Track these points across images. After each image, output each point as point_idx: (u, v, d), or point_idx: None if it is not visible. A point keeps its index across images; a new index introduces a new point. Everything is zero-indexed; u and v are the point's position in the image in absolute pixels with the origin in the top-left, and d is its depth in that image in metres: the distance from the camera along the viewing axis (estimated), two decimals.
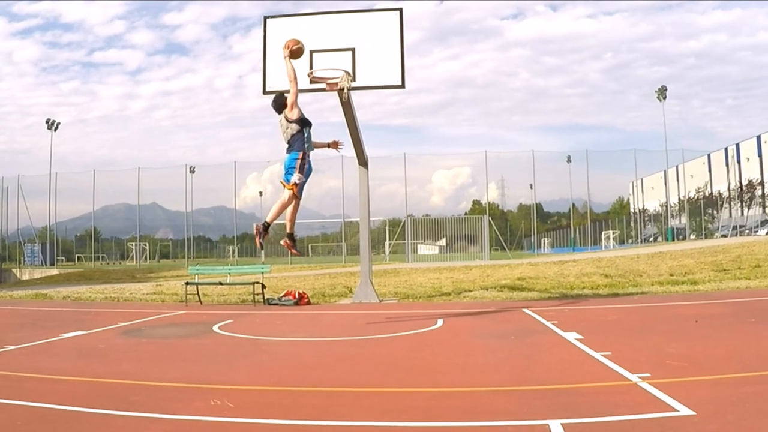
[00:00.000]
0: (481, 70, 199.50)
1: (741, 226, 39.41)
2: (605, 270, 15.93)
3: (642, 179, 56.96)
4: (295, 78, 7.61)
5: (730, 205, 45.57)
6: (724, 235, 36.46)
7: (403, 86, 10.07)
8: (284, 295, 12.43)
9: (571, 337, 6.67)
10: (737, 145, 48.92)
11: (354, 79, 9.64)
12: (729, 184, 46.36)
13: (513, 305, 10.53)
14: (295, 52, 7.79)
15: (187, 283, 13.13)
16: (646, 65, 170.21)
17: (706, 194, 46.10)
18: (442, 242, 37.33)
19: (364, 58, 9.85)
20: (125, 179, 42.06)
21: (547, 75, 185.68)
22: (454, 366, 5.61)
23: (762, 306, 9.08)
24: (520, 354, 6.05)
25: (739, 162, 48.22)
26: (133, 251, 47.74)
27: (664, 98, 43.15)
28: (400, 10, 10.23)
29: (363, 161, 12.52)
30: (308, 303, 12.22)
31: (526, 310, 9.49)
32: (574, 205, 48.05)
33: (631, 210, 59.23)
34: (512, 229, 62.25)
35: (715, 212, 44.26)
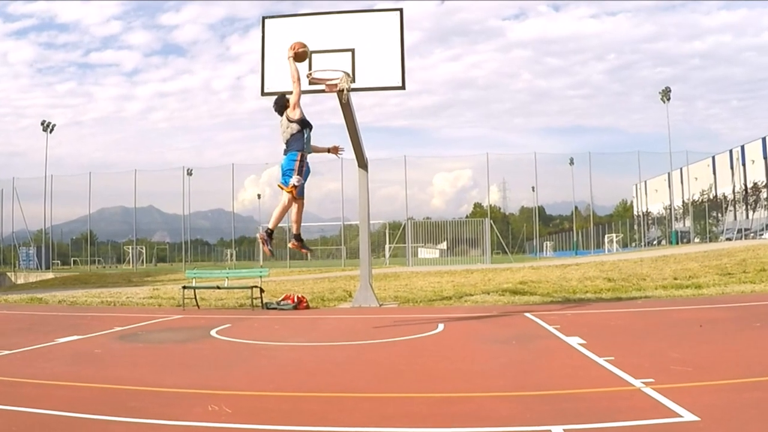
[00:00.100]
0: (482, 71, 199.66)
1: (746, 229, 39.44)
2: (608, 274, 15.93)
3: (646, 182, 57.00)
4: (299, 79, 7.68)
5: (735, 207, 45.58)
6: (728, 239, 36.48)
7: (403, 87, 10.09)
8: (283, 300, 12.43)
9: (574, 341, 6.67)
10: (742, 147, 48.99)
11: (354, 81, 9.66)
12: (734, 186, 46.39)
13: (515, 309, 10.53)
14: (300, 55, 7.87)
15: (184, 287, 13.13)
16: (650, 66, 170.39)
17: (711, 197, 46.14)
18: (443, 246, 37.35)
19: (364, 59, 9.88)
20: (122, 182, 42.10)
21: (550, 76, 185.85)
22: (455, 371, 5.61)
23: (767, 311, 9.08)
24: (522, 359, 6.05)
25: (744, 164, 48.27)
26: (130, 255, 47.81)
27: (668, 100, 43.12)
28: (401, 10, 10.26)
29: (363, 163, 12.54)
30: (307, 307, 12.22)
31: (528, 315, 9.49)
32: (576, 208, 48.20)
33: (635, 213, 59.34)
34: (514, 232, 62.33)
35: (719, 215, 44.29)
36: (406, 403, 4.49)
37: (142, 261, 49.10)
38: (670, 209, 45.54)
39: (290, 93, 7.72)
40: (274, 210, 7.78)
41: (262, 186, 56.39)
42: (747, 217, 43.91)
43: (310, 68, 9.46)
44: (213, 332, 8.70)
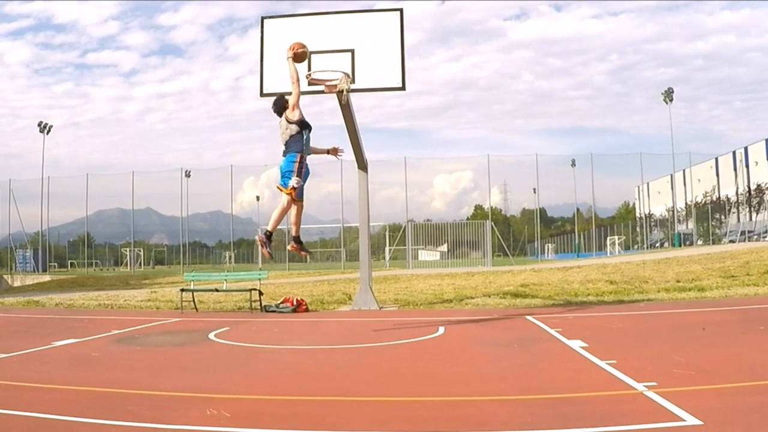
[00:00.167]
0: (483, 72, 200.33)
1: (749, 232, 39.39)
2: (610, 276, 15.93)
3: (648, 183, 56.98)
4: (298, 80, 7.69)
5: (738, 209, 45.53)
6: (732, 241, 36.46)
7: (403, 88, 10.09)
8: (282, 302, 12.43)
9: (576, 345, 6.67)
10: (745, 149, 48.93)
11: (353, 81, 9.66)
12: (737, 188, 46.31)
13: (516, 312, 10.53)
14: (299, 56, 7.87)
15: (182, 290, 13.13)
16: (653, 67, 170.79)
17: (714, 199, 46.09)
18: (444, 248, 37.32)
19: (364, 59, 9.88)
20: (119, 183, 42.15)
21: (551, 77, 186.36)
22: (456, 374, 5.61)
23: None
24: (524, 362, 6.05)
25: (747, 166, 48.20)
26: (128, 257, 47.78)
27: (671, 101, 43.11)
28: (401, 10, 10.26)
29: (362, 165, 12.54)
30: (306, 310, 12.22)
31: (529, 318, 9.50)
32: (578, 210, 48.24)
33: (637, 215, 59.26)
34: (515, 234, 62.36)
35: (722, 217, 44.26)
36: (407, 406, 4.49)
37: (140, 263, 49.06)
38: (673, 211, 45.56)
39: (289, 94, 7.73)
40: (273, 212, 7.79)
41: (261, 188, 56.43)
42: (750, 219, 43.86)
43: (309, 69, 9.46)
44: (211, 335, 8.70)
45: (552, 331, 7.85)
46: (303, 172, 7.58)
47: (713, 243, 37.09)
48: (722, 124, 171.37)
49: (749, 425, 3.63)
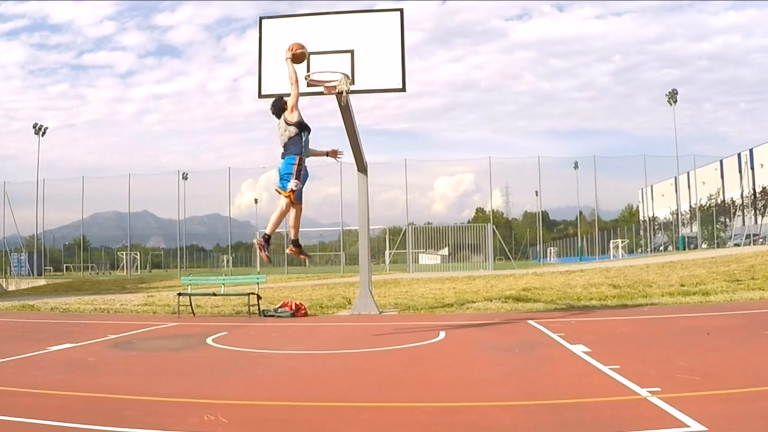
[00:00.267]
0: (484, 73, 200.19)
1: (755, 235, 39.40)
2: (614, 280, 15.93)
3: (652, 186, 57.07)
4: (297, 81, 7.69)
5: (743, 212, 45.60)
6: (737, 244, 36.45)
7: (403, 89, 10.10)
8: (280, 307, 12.43)
9: (579, 349, 6.67)
10: (751, 151, 48.98)
11: (353, 82, 9.67)
12: (742, 191, 46.37)
13: (518, 317, 10.53)
14: (298, 57, 7.87)
15: (179, 294, 13.13)
16: (656, 68, 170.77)
17: (719, 201, 46.19)
18: (445, 251, 37.35)
19: (364, 60, 9.89)
20: (115, 186, 42.26)
21: (554, 78, 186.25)
22: (456, 380, 5.62)
23: None
24: (526, 367, 6.05)
25: (752, 168, 48.27)
26: (124, 261, 47.82)
27: (675, 102, 43.17)
28: (401, 10, 10.28)
29: (362, 167, 12.56)
30: (305, 315, 12.22)
31: (531, 322, 9.50)
32: (581, 212, 48.21)
33: (641, 218, 59.30)
34: (517, 237, 62.38)
35: (727, 220, 44.31)
36: (407, 412, 4.49)
37: (137, 267, 49.11)
38: (677, 214, 45.58)
39: (288, 95, 7.74)
40: (271, 215, 7.79)
41: (259, 190, 56.44)
42: (756, 222, 43.90)
43: (308, 70, 9.47)
44: (209, 340, 8.70)
45: (554, 336, 7.85)
46: (302, 175, 7.58)
47: (718, 246, 37.09)
48: (727, 125, 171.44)
49: (754, 431, 3.63)
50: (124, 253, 47.74)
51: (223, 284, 13.92)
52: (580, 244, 48.21)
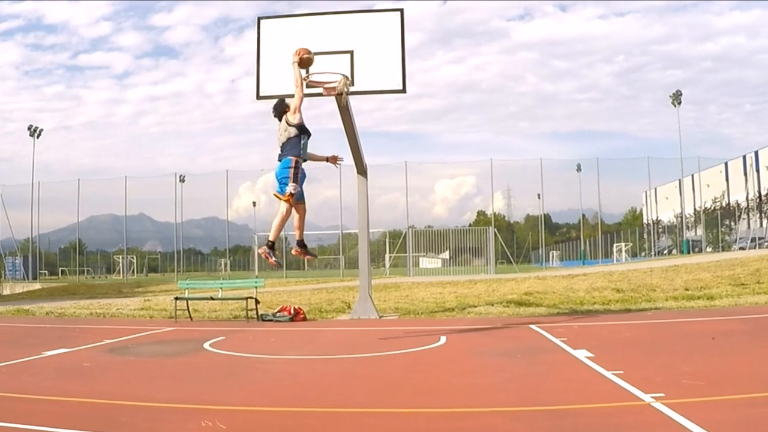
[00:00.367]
0: (486, 74, 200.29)
1: (760, 238, 39.38)
2: (617, 284, 15.93)
3: (656, 189, 57.01)
4: (302, 84, 7.78)
5: (748, 215, 45.56)
6: (742, 248, 36.45)
7: (404, 91, 10.11)
8: (279, 311, 12.43)
9: (581, 355, 6.67)
10: (756, 153, 49.00)
11: (352, 84, 9.69)
12: (747, 193, 46.38)
13: (520, 321, 10.53)
14: (305, 61, 7.96)
15: (176, 298, 13.13)
16: (660, 69, 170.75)
17: (723, 204, 46.12)
18: (445, 255, 37.34)
19: (364, 61, 9.91)
20: (111, 189, 42.14)
21: (556, 79, 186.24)
22: (458, 385, 5.61)
23: None
24: (527, 373, 6.05)
25: (757, 170, 48.27)
26: (120, 264, 47.77)
27: (679, 103, 43.14)
28: (401, 10, 10.29)
29: (362, 170, 12.56)
30: (304, 319, 12.22)
31: (533, 327, 9.50)
32: (584, 216, 48.12)
33: (644, 221, 59.36)
34: (519, 241, 62.41)
35: (732, 223, 44.27)
36: (407, 418, 4.49)
37: (133, 271, 49.10)
38: (681, 217, 45.54)
39: (290, 97, 7.77)
40: (272, 221, 7.79)
41: (258, 193, 56.44)
42: (761, 225, 43.92)
43: (307, 71, 9.49)
44: (206, 345, 8.70)
45: (557, 341, 7.85)
46: (299, 177, 7.59)
47: (723, 250, 37.08)
48: (732, 127, 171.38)
49: None
50: (121, 256, 47.71)
51: (221, 288, 13.93)
52: (582, 248, 48.17)
